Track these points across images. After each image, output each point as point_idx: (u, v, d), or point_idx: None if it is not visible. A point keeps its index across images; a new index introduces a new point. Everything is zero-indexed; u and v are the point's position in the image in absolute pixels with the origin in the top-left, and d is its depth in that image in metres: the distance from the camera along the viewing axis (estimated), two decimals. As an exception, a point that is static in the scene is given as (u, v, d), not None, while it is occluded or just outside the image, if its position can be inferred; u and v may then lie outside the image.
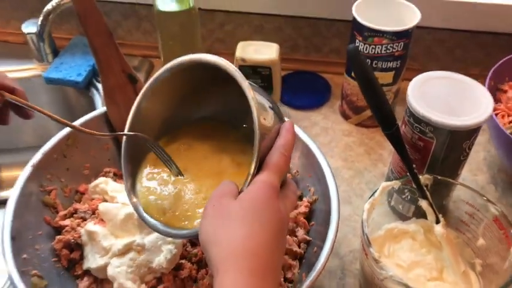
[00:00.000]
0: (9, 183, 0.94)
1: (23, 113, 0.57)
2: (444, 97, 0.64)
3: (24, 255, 0.57)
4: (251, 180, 0.45)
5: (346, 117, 0.89)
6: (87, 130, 0.52)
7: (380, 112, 0.62)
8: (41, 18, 0.79)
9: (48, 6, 0.79)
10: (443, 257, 0.64)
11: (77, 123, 0.69)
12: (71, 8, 0.80)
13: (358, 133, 0.87)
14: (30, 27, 0.93)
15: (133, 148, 0.56)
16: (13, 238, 0.57)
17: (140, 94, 0.56)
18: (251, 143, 0.46)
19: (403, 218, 0.70)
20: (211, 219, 0.43)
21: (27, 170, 0.63)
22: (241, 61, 0.80)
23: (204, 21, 0.95)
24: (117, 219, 0.61)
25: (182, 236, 0.51)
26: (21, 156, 1.04)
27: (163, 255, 0.59)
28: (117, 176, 0.71)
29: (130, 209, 0.61)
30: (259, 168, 0.46)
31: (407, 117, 0.65)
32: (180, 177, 0.56)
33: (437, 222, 0.64)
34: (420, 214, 0.68)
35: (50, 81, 0.93)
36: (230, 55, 0.75)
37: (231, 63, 0.49)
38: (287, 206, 0.46)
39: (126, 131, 0.55)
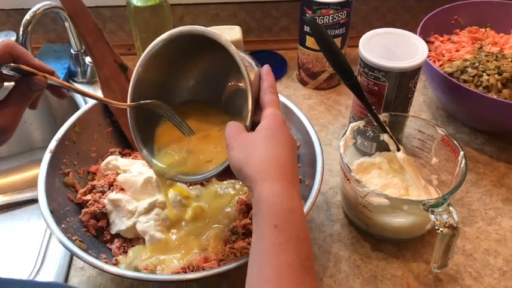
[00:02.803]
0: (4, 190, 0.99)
1: (60, 92, 0.62)
2: (388, 48, 0.78)
3: (63, 225, 0.65)
4: (251, 116, 0.56)
5: (304, 83, 1.02)
6: (114, 102, 0.62)
7: (340, 67, 0.75)
8: (21, 29, 0.86)
9: (27, 17, 0.86)
10: (406, 178, 0.78)
11: (81, 111, 0.77)
12: (39, 19, 0.88)
13: (317, 95, 1.00)
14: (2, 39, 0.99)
15: (139, 119, 0.65)
16: (52, 212, 0.65)
17: (137, 65, 0.63)
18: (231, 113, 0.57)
19: (367, 155, 0.84)
20: (239, 149, 0.52)
21: (47, 155, 0.71)
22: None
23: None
24: (137, 185, 0.70)
25: (215, 174, 0.58)
26: (3, 165, 1.09)
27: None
28: (122, 154, 0.80)
29: (147, 174, 0.71)
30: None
31: (362, 68, 0.79)
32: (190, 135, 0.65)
33: (398, 150, 0.78)
34: (382, 149, 0.82)
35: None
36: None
37: (214, 31, 0.59)
38: None
39: (128, 102, 0.63)
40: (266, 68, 0.61)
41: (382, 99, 0.79)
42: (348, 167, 0.71)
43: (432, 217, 0.65)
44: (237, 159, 0.52)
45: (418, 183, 0.77)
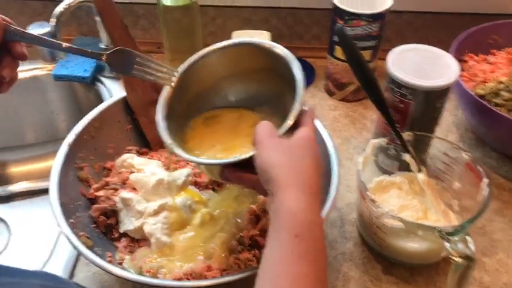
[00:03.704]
0: (18, 179, 1.01)
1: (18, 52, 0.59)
2: (418, 65, 0.75)
3: (71, 220, 0.65)
4: (288, 127, 0.56)
5: (331, 94, 1.00)
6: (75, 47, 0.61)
7: (366, 81, 0.73)
8: (54, 20, 0.87)
9: (60, 9, 0.87)
10: (426, 200, 0.76)
11: (102, 106, 0.78)
12: (74, 11, 0.89)
13: (343, 107, 0.98)
14: (36, 30, 1.01)
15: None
16: (62, 204, 0.65)
17: (186, 63, 0.66)
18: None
19: (388, 174, 0.81)
20: (272, 150, 0.52)
21: (64, 148, 0.71)
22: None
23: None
24: (149, 186, 0.70)
25: (234, 161, 0.56)
26: (28, 152, 1.11)
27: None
28: (139, 153, 0.79)
29: (159, 176, 0.70)
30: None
31: (389, 84, 0.76)
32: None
33: (420, 171, 0.76)
34: (403, 169, 0.79)
35: (58, 78, 1.01)
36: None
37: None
38: None
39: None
40: (313, 108, 0.61)
41: (407, 118, 0.77)
42: (364, 185, 0.68)
43: (447, 245, 0.62)
44: (267, 158, 0.51)
45: (437, 208, 0.74)
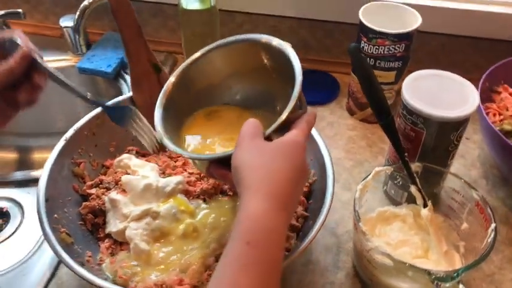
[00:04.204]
0: (39, 165, 1.03)
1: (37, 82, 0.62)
2: (435, 92, 0.70)
3: (55, 215, 0.65)
4: (275, 129, 0.53)
5: (351, 112, 0.96)
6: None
7: (375, 102, 0.68)
8: (77, 13, 0.88)
9: (85, 3, 0.88)
10: (429, 238, 0.70)
11: (108, 104, 0.78)
12: (105, 6, 0.90)
13: (362, 128, 0.94)
14: (67, 22, 1.03)
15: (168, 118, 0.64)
16: (47, 200, 0.65)
17: (190, 58, 0.66)
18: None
19: (396, 203, 0.76)
20: (248, 150, 0.49)
21: (61, 143, 0.72)
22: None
23: (225, 21, 1.04)
24: (137, 189, 0.69)
25: (215, 157, 0.58)
26: (54, 140, 1.14)
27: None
28: (139, 154, 0.79)
29: (149, 180, 0.69)
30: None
31: (401, 110, 0.72)
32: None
33: (425, 206, 0.70)
34: (412, 200, 0.74)
35: (82, 71, 1.02)
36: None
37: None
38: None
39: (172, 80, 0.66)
40: (313, 112, 0.59)
41: (418, 148, 0.72)
42: (358, 216, 0.64)
43: None
44: (240, 158, 0.49)
45: (439, 247, 0.69)
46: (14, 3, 1.12)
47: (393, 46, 0.83)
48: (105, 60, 1.02)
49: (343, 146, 0.90)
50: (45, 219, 0.62)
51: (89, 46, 1.07)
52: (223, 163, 0.54)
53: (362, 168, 0.86)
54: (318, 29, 1.02)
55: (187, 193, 0.71)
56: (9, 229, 0.83)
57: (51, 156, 0.70)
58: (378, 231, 0.73)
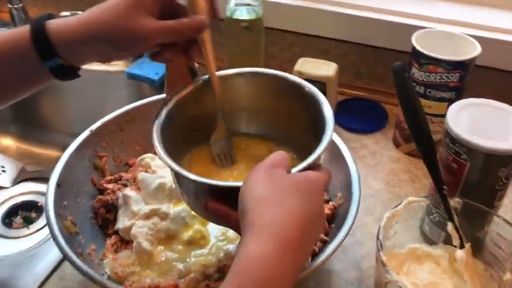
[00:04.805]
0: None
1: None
2: (482, 122, 0.63)
3: (65, 202, 0.64)
4: (305, 168, 0.49)
5: (397, 144, 0.89)
6: None
7: (416, 126, 0.63)
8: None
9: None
10: (465, 286, 0.62)
11: (140, 102, 0.77)
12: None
13: (407, 161, 0.87)
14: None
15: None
16: (58, 185, 0.64)
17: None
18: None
19: (431, 243, 0.68)
20: (263, 178, 0.44)
21: (86, 133, 0.71)
22: (297, 73, 0.85)
23: (275, 40, 1.02)
24: (151, 188, 0.66)
25: (219, 185, 0.50)
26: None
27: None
28: (163, 156, 0.77)
29: (164, 180, 0.66)
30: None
31: (444, 138, 0.65)
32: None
33: (462, 247, 0.62)
34: (450, 242, 0.66)
35: (130, 76, 1.03)
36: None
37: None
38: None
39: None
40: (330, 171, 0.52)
41: (460, 181, 0.64)
42: (380, 244, 0.58)
43: None
44: (251, 185, 0.44)
45: (473, 297, 0.60)
46: (77, 6, 1.17)
47: (446, 74, 0.77)
48: (153, 67, 1.03)
49: (383, 178, 0.84)
50: (51, 204, 0.61)
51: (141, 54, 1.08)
52: (227, 198, 0.48)
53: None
54: (370, 55, 0.97)
55: (202, 200, 0.67)
56: (40, 222, 0.87)
57: (73, 144, 0.69)
58: (407, 269, 0.65)
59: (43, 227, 0.86)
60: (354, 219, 0.60)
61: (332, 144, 0.70)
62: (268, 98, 0.65)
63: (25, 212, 0.99)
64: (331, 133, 0.54)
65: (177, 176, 0.54)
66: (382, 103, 0.98)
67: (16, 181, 1.09)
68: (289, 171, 0.47)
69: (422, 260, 0.66)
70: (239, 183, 0.45)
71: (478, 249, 0.64)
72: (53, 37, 0.52)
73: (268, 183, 0.43)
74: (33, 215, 0.98)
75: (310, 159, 0.50)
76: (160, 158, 0.52)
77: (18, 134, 1.19)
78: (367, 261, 0.70)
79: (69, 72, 0.56)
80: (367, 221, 0.76)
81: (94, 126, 0.72)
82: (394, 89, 0.80)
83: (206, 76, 0.63)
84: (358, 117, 0.94)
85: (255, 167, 0.46)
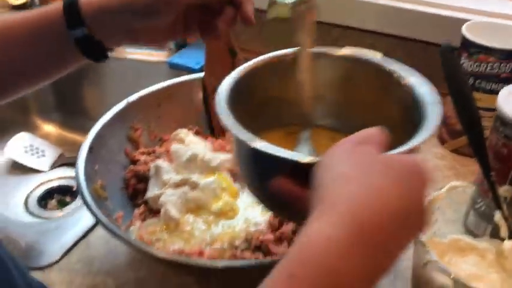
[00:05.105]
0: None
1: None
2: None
3: (96, 167, 0.63)
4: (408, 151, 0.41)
5: (442, 141, 0.85)
6: None
7: (463, 109, 0.59)
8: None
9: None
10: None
11: (179, 79, 0.78)
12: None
13: (452, 159, 0.82)
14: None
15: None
16: (91, 148, 0.63)
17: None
18: None
19: (475, 237, 0.64)
20: (348, 152, 0.36)
21: (122, 103, 0.71)
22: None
23: (321, 34, 1.00)
24: (183, 158, 0.65)
25: (294, 161, 0.40)
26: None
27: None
28: (198, 134, 0.75)
29: (196, 150, 0.65)
30: None
31: (494, 122, 0.61)
32: None
33: (511, 238, 0.58)
34: (497, 236, 0.61)
35: (172, 66, 1.04)
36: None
37: None
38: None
39: None
40: None
41: (510, 168, 0.60)
42: (419, 225, 0.54)
43: None
44: (331, 157, 0.36)
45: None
46: None
47: (498, 64, 0.73)
48: (195, 57, 1.03)
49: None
50: (81, 164, 0.60)
51: (185, 45, 1.09)
52: (301, 176, 0.38)
53: (442, 199, 0.74)
54: (417, 51, 0.94)
55: (234, 175, 0.66)
56: (73, 206, 0.90)
57: (109, 113, 0.69)
58: (448, 260, 0.60)
59: (76, 209, 0.87)
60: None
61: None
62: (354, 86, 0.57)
63: (60, 196, 1.01)
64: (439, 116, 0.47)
65: (242, 146, 0.45)
66: (429, 102, 0.94)
67: (54, 166, 1.11)
68: (383, 151, 0.37)
69: (466, 252, 0.61)
70: (314, 159, 0.37)
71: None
72: (82, 5, 0.52)
73: (356, 158, 0.35)
74: (68, 198, 0.99)
75: (417, 141, 0.42)
76: (225, 125, 0.45)
77: (60, 121, 1.21)
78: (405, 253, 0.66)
79: (97, 49, 0.55)
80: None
81: (131, 98, 0.72)
82: (443, 85, 0.76)
83: (282, 52, 0.57)
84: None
85: (338, 142, 0.37)
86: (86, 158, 0.62)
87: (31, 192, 1.04)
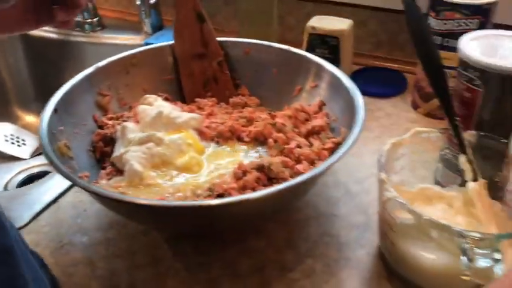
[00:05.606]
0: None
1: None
2: (496, 49, 0.59)
3: (61, 127, 0.62)
4: None
5: (415, 107, 0.85)
6: None
7: (423, 50, 0.59)
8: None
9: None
10: (479, 227, 0.56)
11: (149, 47, 0.78)
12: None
13: (426, 123, 0.82)
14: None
15: None
16: (55, 110, 0.63)
17: None
18: None
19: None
20: None
21: (91, 69, 0.70)
22: (311, 29, 0.83)
23: (293, 10, 1.00)
24: (149, 118, 0.65)
25: None
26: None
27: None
28: (167, 100, 0.75)
29: (161, 109, 0.65)
30: None
31: (458, 69, 0.61)
32: None
33: (475, 180, 0.57)
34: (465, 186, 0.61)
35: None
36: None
37: None
38: None
39: None
40: None
41: (473, 112, 0.60)
42: (382, 164, 0.53)
43: (463, 259, 0.44)
44: None
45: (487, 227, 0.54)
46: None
47: (464, 21, 0.73)
48: (170, 39, 1.03)
49: (397, 136, 0.79)
50: (45, 121, 0.60)
51: (161, 28, 1.09)
52: None
53: (415, 158, 0.74)
54: (390, 22, 0.94)
55: (201, 133, 0.65)
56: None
57: (76, 77, 0.68)
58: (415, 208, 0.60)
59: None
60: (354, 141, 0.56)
61: (332, 78, 0.68)
62: None
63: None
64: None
65: None
66: (404, 72, 0.94)
67: (34, 154, 1.11)
68: None
69: (434, 201, 0.61)
70: None
71: (495, 195, 0.58)
72: None
73: None
74: (46, 184, 0.99)
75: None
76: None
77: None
78: (375, 207, 0.65)
79: None
80: (376, 171, 0.71)
81: (100, 64, 0.72)
82: (415, 57, 0.76)
83: None
84: (376, 83, 0.91)
85: None
86: (49, 117, 0.61)
87: (12, 178, 1.04)
